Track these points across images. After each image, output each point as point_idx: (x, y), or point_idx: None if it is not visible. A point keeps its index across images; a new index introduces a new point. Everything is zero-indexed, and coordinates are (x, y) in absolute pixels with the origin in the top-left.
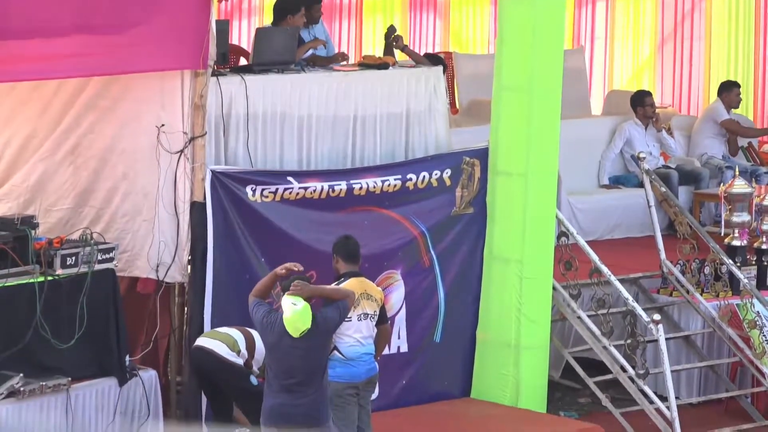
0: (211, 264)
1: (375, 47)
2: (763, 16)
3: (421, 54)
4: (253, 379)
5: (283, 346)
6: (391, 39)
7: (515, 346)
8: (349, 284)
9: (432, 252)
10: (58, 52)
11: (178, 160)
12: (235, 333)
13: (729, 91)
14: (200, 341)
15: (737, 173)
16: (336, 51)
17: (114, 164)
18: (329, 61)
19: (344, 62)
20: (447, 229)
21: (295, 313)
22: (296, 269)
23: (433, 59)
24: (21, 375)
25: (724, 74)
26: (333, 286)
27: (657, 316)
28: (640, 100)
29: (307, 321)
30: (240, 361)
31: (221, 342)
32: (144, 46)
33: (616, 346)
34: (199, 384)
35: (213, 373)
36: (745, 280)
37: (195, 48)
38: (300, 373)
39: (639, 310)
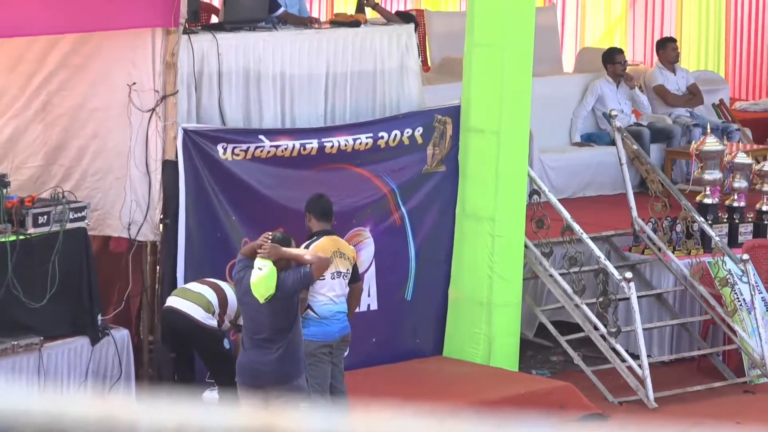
0: (183, 222)
1: (346, 5)
2: None
3: (393, 11)
4: (226, 342)
5: (249, 304)
6: None
7: (487, 304)
8: (322, 243)
9: (402, 209)
10: (27, 10)
11: (150, 119)
12: (207, 291)
13: (664, 48)
14: (174, 302)
15: (709, 131)
16: (308, 7)
17: (84, 122)
18: (301, 21)
19: (316, 26)
20: (418, 186)
21: (260, 278)
22: (267, 239)
23: (404, 17)
24: None
25: (695, 30)
26: (302, 249)
27: (629, 274)
28: (611, 58)
29: (271, 287)
30: (215, 323)
31: (196, 305)
32: (115, 4)
33: (588, 305)
34: (168, 343)
35: (188, 337)
36: (717, 238)
37: (166, 5)
38: (267, 329)
39: (611, 268)
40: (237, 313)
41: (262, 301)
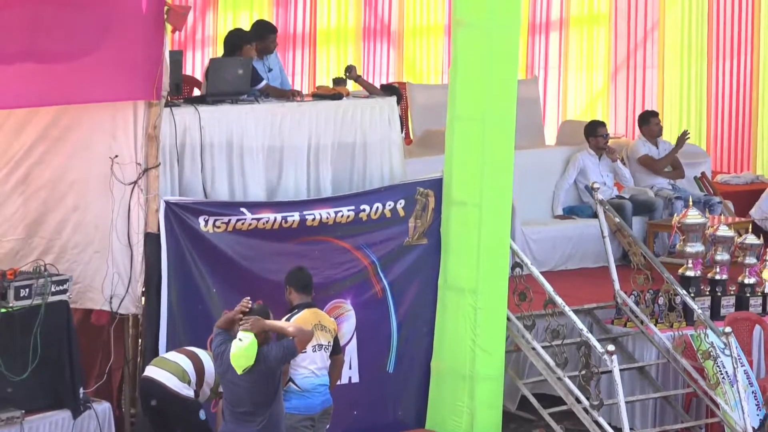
0: (165, 295)
1: (329, 78)
2: (715, 44)
3: (377, 85)
4: (202, 414)
5: (230, 378)
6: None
7: (470, 377)
8: (303, 315)
9: (384, 282)
10: (4, 82)
11: (132, 191)
12: (183, 360)
13: (647, 122)
14: (151, 372)
15: (691, 203)
16: (290, 81)
17: (64, 195)
18: (282, 94)
19: (298, 98)
20: (399, 259)
21: (239, 349)
22: (246, 307)
23: (387, 89)
24: None
25: (677, 103)
26: (284, 321)
27: (611, 347)
28: (593, 130)
29: (250, 358)
30: (191, 392)
31: (171, 374)
32: (95, 76)
33: (570, 377)
34: (147, 413)
35: (162, 406)
36: (699, 311)
37: (148, 78)
38: (247, 403)
39: (593, 341)
40: (216, 380)
41: (240, 372)
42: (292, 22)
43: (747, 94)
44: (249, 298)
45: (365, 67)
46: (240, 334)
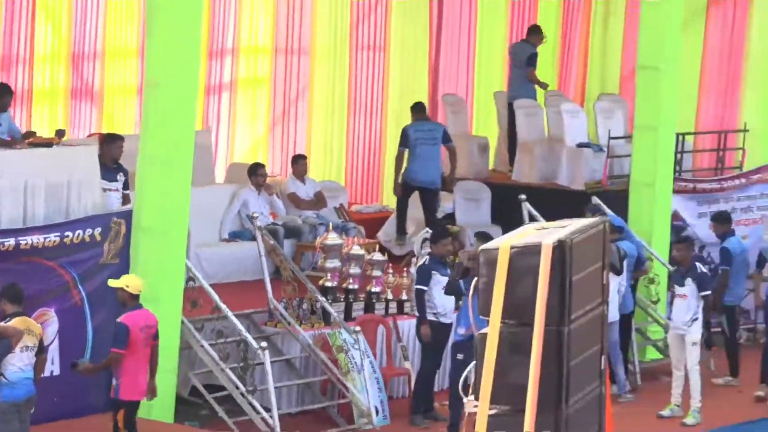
0: None
1: (49, 129)
2: (353, 101)
3: (83, 137)
4: None
5: None
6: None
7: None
8: (15, 322)
9: (83, 293)
10: None
11: None
12: None
13: (297, 163)
14: None
15: (330, 228)
16: (21, 130)
17: None
18: (6, 143)
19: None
20: (95, 274)
21: None
22: None
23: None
24: None
25: (321, 148)
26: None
27: (264, 344)
28: (254, 171)
29: None
30: None
31: None
32: None
33: (231, 369)
34: None
35: None
36: (335, 314)
37: None
38: None
39: (250, 339)
40: None
41: None
42: (13, 82)
43: (377, 141)
44: None
45: (74, 120)
46: None
